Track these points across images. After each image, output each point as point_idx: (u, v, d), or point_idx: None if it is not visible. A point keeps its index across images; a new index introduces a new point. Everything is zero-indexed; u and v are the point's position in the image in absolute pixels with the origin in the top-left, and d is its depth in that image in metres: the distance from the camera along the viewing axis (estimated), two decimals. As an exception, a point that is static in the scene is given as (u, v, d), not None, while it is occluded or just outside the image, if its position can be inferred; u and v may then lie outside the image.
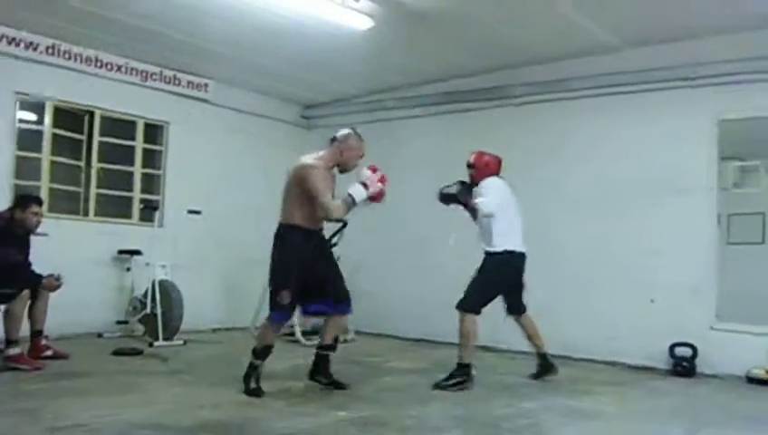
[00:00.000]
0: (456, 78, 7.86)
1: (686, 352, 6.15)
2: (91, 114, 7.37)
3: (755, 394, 5.41)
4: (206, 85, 8.16)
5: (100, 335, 6.99)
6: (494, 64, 7.46)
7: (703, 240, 6.30)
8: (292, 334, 7.36)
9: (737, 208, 6.87)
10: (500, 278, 5.31)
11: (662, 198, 6.46)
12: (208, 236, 7.99)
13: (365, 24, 6.05)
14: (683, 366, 6.11)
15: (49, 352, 5.58)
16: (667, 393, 5.42)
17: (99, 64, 7.20)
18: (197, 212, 7.57)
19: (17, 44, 6.55)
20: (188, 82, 8.01)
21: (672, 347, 6.22)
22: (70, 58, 6.96)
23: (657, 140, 6.56)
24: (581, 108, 7.03)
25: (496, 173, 5.51)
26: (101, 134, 7.43)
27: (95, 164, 7.37)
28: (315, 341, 7.30)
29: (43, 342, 5.62)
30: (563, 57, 7.04)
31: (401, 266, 8.00)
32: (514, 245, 5.30)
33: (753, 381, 5.75)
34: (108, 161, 7.50)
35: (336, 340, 4.92)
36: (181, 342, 6.82)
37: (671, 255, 6.38)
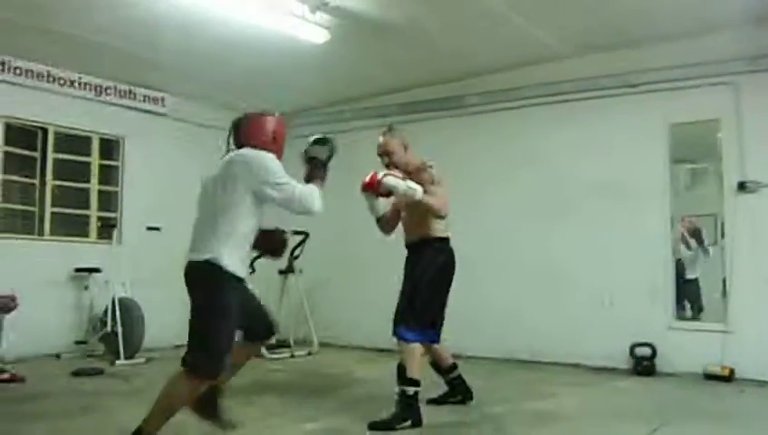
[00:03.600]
0: (412, 88, 7.94)
1: (646, 351, 6.30)
2: (45, 131, 7.23)
3: (712, 390, 5.56)
4: (162, 99, 8.08)
5: (58, 356, 6.82)
6: (449, 75, 7.56)
7: (658, 242, 6.47)
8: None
9: (690, 211, 7.05)
10: None
11: (617, 201, 6.63)
12: (169, 251, 7.81)
13: (322, 37, 6.08)
14: (643, 366, 6.25)
15: (5, 376, 5.44)
16: (628, 392, 5.54)
17: (51, 80, 7.08)
18: (157, 229, 7.48)
19: (-35, 61, 6.41)
20: (144, 96, 7.92)
21: (632, 347, 6.36)
22: (21, 74, 6.84)
23: (611, 145, 6.74)
24: (534, 115, 7.18)
25: None
26: (55, 151, 7.29)
27: (50, 182, 7.22)
28: (282, 354, 7.31)
29: (-1, 365, 5.48)
30: (515, 66, 7.18)
31: (364, 277, 8.00)
32: None
33: (709, 377, 5.91)
34: (63, 178, 7.36)
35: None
36: (143, 360, 6.71)
37: (628, 257, 6.54)
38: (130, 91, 7.79)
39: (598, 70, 6.76)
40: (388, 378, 5.81)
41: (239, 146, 3.67)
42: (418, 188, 4.16)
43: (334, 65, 7.16)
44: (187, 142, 8.25)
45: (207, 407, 3.63)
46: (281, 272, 7.95)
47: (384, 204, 4.51)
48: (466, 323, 6.94)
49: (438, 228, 4.46)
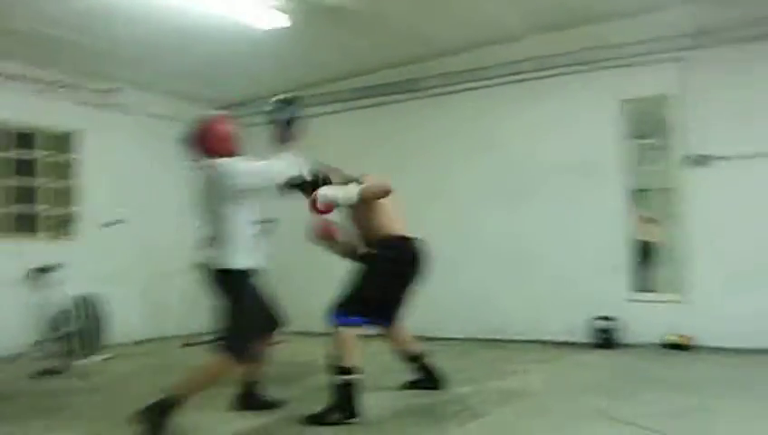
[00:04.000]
0: (371, 72, 7.91)
1: (606, 324, 6.43)
2: (-10, 127, 7.01)
3: (671, 359, 5.73)
4: (116, 90, 7.89)
5: (17, 357, 6.67)
6: (407, 57, 7.55)
7: (615, 217, 6.60)
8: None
9: (646, 185, 7.20)
10: None
11: (576, 179, 6.74)
12: (128, 246, 7.75)
13: (281, 21, 6.00)
14: (604, 338, 6.39)
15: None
16: (590, 366, 5.67)
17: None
18: (115, 223, 7.32)
19: None
20: (97, 89, 7.73)
21: (593, 321, 6.48)
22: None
23: (568, 123, 6.85)
24: (493, 96, 7.24)
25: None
26: (5, 149, 7.07)
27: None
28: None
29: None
30: (472, 47, 7.22)
31: (330, 265, 7.96)
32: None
33: (668, 346, 6.08)
34: (11, 176, 7.14)
35: None
36: (103, 357, 6.61)
37: (587, 233, 6.67)
38: (83, 84, 7.58)
39: (553, 48, 6.84)
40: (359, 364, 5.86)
41: (210, 156, 3.85)
42: (350, 188, 4.07)
43: (290, 52, 7.10)
44: (144, 134, 8.11)
45: (253, 401, 4.21)
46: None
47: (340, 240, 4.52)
48: (434, 306, 7.00)
49: (390, 227, 4.32)
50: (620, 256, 6.57)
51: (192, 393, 3.68)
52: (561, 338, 6.65)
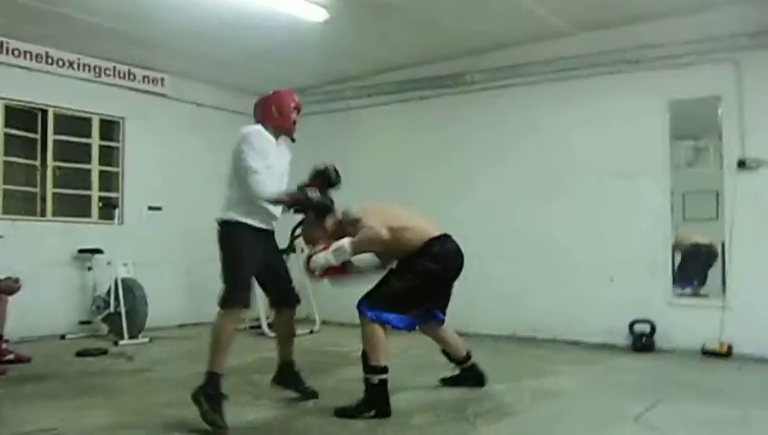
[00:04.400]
0: (412, 66, 7.90)
1: (645, 328, 6.34)
2: (44, 112, 7.23)
3: (709, 367, 5.61)
4: (162, 79, 8.06)
5: (63, 337, 6.89)
6: (451, 52, 7.52)
7: (657, 218, 6.49)
8: (258, 327, 7.36)
9: (691, 187, 7.06)
10: None
11: (617, 179, 6.63)
12: (170, 231, 7.92)
13: (320, 16, 6.06)
14: (642, 342, 6.30)
15: (10, 356, 5.49)
16: (627, 369, 5.59)
17: (50, 61, 7.06)
18: (158, 208, 7.50)
19: (-37, 43, 6.40)
20: (144, 77, 7.90)
21: (631, 324, 6.40)
22: (19, 56, 6.82)
23: (611, 122, 6.73)
24: (535, 93, 7.16)
25: None
26: (56, 132, 7.29)
27: (51, 163, 7.23)
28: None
29: (4, 346, 5.52)
30: (518, 43, 7.14)
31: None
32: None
33: (707, 354, 5.96)
34: (64, 160, 7.37)
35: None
36: (147, 339, 6.78)
37: (627, 235, 6.56)
38: (130, 72, 7.77)
39: (598, 47, 6.72)
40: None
41: (257, 121, 4.11)
42: (343, 244, 3.95)
43: (334, 44, 7.13)
44: (187, 122, 8.26)
45: (288, 379, 4.31)
46: (282, 251, 7.97)
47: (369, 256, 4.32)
48: (467, 301, 6.98)
49: (412, 242, 4.10)
50: (662, 259, 6.45)
51: (219, 358, 3.79)
52: (598, 340, 6.57)
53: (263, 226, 4.02)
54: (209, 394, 3.66)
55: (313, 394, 4.27)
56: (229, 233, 3.96)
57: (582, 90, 6.88)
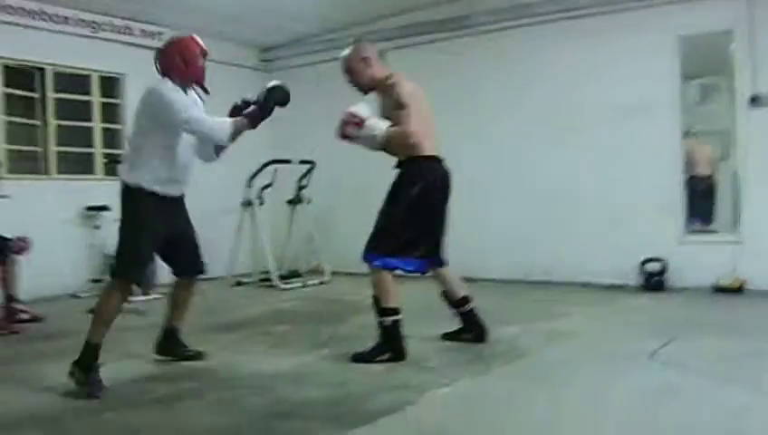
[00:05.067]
0: (415, 10, 7.72)
1: (656, 267, 6.32)
2: (42, 71, 7.11)
3: (722, 303, 5.61)
4: (160, 34, 7.88)
5: (74, 295, 6.92)
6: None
7: (668, 157, 6.40)
8: (269, 279, 7.38)
9: (701, 126, 6.97)
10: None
11: (627, 118, 6.52)
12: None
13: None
14: (653, 281, 6.29)
15: (24, 316, 5.52)
16: (639, 308, 5.59)
17: (45, 18, 6.92)
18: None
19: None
20: (141, 31, 7.75)
21: (642, 263, 6.37)
22: (14, 13, 6.68)
23: (619, 60, 6.59)
24: (542, 33, 7.00)
25: None
26: (56, 90, 7.19)
27: (52, 122, 7.16)
28: (295, 284, 7.38)
29: (18, 306, 5.55)
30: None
31: (372, 204, 7.99)
32: None
33: (719, 290, 5.95)
34: (65, 118, 7.29)
35: None
36: (158, 296, 6.79)
37: (638, 174, 6.49)
38: (127, 27, 7.62)
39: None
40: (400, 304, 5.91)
41: (163, 75, 3.72)
42: (378, 130, 3.86)
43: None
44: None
45: (172, 348, 4.05)
46: (289, 202, 7.97)
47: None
48: (479, 246, 6.98)
49: (421, 146, 3.94)
50: (673, 197, 6.40)
51: (98, 329, 3.54)
52: (609, 281, 6.56)
53: (171, 193, 3.71)
54: (86, 364, 3.47)
55: (199, 355, 4.06)
56: (133, 200, 3.63)
57: (590, 28, 6.71)
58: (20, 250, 5.51)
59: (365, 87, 4.10)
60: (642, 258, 6.37)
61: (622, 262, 6.48)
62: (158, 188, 3.61)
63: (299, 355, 4.16)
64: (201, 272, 4.05)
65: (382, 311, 3.90)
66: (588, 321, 5.10)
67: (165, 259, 3.94)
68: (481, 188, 7.08)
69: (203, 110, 3.74)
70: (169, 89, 3.59)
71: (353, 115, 3.91)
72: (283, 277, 7.51)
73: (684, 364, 3.64)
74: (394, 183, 4.06)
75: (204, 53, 3.81)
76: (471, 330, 4.32)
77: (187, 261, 3.96)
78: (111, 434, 2.86)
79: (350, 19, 8.12)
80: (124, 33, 7.61)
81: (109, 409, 3.13)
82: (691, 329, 4.62)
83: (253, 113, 3.65)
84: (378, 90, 4.08)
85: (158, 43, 7.67)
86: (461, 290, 4.34)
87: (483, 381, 3.50)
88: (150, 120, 3.59)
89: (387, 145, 3.98)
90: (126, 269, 3.64)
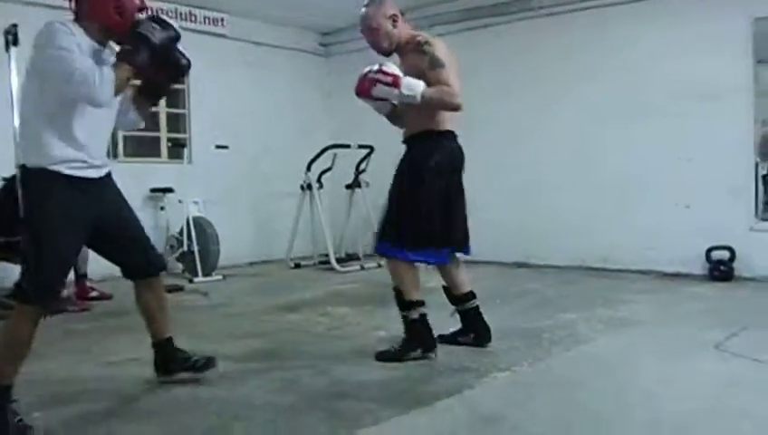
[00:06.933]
0: (476, -7, 7.61)
1: (724, 255, 6.10)
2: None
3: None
4: (222, 20, 8.03)
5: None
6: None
7: (740, 143, 6.17)
8: (327, 262, 7.46)
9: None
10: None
11: (696, 103, 6.28)
12: (237, 170, 8.05)
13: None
14: (720, 270, 6.08)
15: (94, 294, 5.74)
16: (705, 298, 5.41)
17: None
18: (225, 147, 7.65)
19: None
20: (204, 18, 7.89)
21: (709, 251, 6.17)
22: None
23: (689, 43, 6.34)
24: (610, 16, 6.79)
25: None
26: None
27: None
28: (353, 267, 7.43)
29: (88, 284, 5.76)
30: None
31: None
32: None
33: (792, 281, 5.73)
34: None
35: None
36: (220, 277, 6.95)
37: (707, 159, 6.26)
38: (190, 13, 7.76)
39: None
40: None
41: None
42: (418, 88, 3.38)
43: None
44: (249, 62, 8.26)
45: (170, 362, 3.27)
46: (347, 186, 8.02)
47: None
48: (537, 232, 6.90)
49: (441, 120, 3.56)
50: (744, 184, 6.17)
51: (7, 367, 2.62)
52: (672, 269, 6.39)
53: (89, 173, 2.78)
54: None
55: (211, 361, 3.28)
56: (35, 189, 2.66)
57: (660, 10, 6.48)
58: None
59: (389, 48, 3.64)
60: (708, 246, 6.17)
61: (687, 249, 6.29)
62: (69, 169, 2.67)
63: (356, 337, 4.20)
64: (156, 268, 3.19)
65: (406, 304, 3.59)
66: (649, 309, 4.98)
67: (108, 259, 3.13)
68: (542, 174, 6.98)
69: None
70: (64, 31, 2.58)
71: (385, 73, 3.41)
72: (340, 260, 7.58)
73: (753, 356, 3.52)
74: (411, 161, 3.62)
75: (142, 8, 2.89)
76: (472, 331, 3.87)
77: (135, 258, 3.08)
78: (182, 407, 2.95)
79: (408, 3, 8.05)
80: (187, 20, 7.75)
81: (179, 384, 3.23)
82: (760, 320, 4.46)
83: (125, 51, 2.75)
84: (405, 50, 3.62)
85: (220, 29, 7.99)
86: (466, 285, 3.88)
87: (542, 368, 3.47)
88: (45, 70, 2.61)
89: (426, 107, 3.45)
90: (33, 288, 2.64)
